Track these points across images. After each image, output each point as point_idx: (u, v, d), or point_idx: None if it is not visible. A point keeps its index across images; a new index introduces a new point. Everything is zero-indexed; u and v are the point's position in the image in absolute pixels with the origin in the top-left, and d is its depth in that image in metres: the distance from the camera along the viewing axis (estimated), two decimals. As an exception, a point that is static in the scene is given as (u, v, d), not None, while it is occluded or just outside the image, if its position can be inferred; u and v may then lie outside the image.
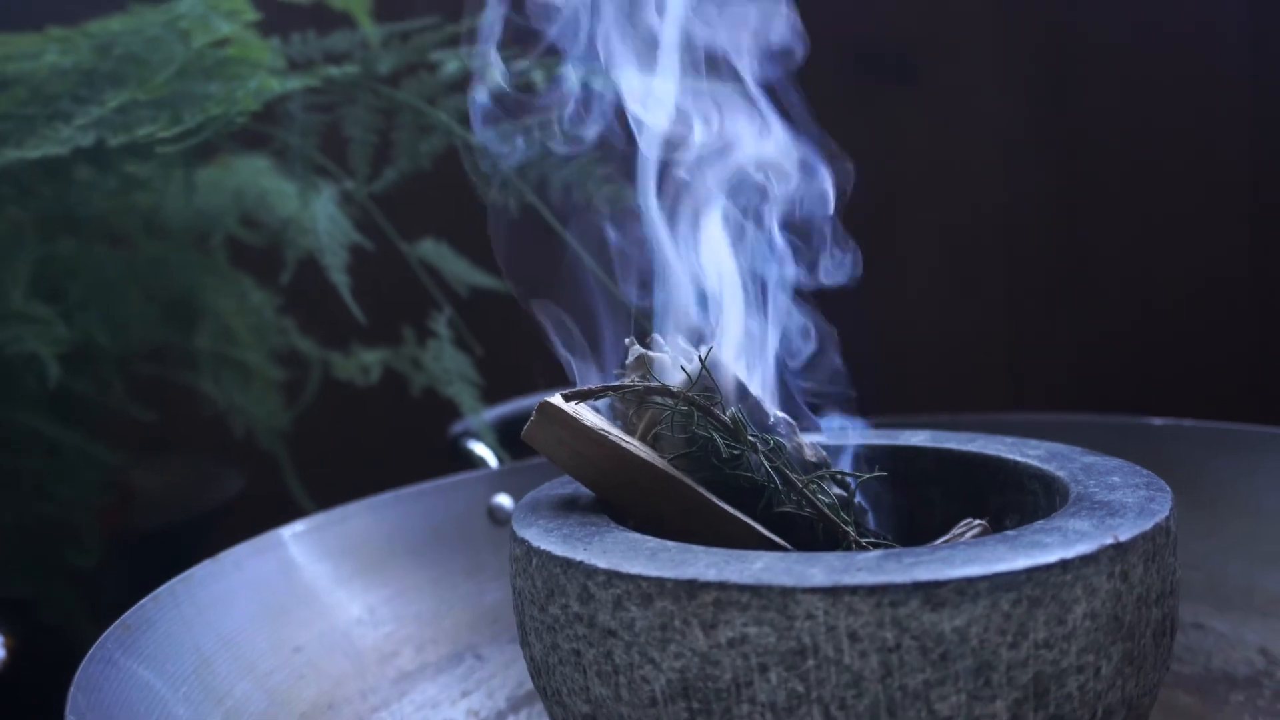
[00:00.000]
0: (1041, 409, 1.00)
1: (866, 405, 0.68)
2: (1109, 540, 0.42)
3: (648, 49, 0.58)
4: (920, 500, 0.56)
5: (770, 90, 0.58)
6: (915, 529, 0.54)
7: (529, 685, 0.62)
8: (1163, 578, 0.44)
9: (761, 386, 0.55)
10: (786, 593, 0.40)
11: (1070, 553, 0.41)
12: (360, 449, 1.15)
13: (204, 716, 0.50)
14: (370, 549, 0.64)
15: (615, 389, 0.51)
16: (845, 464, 0.55)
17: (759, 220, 0.58)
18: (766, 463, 0.50)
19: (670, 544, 0.44)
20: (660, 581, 0.41)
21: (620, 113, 0.58)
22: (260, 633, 0.56)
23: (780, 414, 0.53)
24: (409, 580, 0.64)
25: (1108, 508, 0.45)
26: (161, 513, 0.97)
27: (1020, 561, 0.40)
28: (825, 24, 0.60)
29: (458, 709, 0.61)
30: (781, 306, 0.58)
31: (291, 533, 0.62)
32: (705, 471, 0.50)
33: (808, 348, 0.58)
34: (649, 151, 0.57)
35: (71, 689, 0.44)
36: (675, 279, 0.57)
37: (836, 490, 0.53)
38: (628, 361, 0.53)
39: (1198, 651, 0.62)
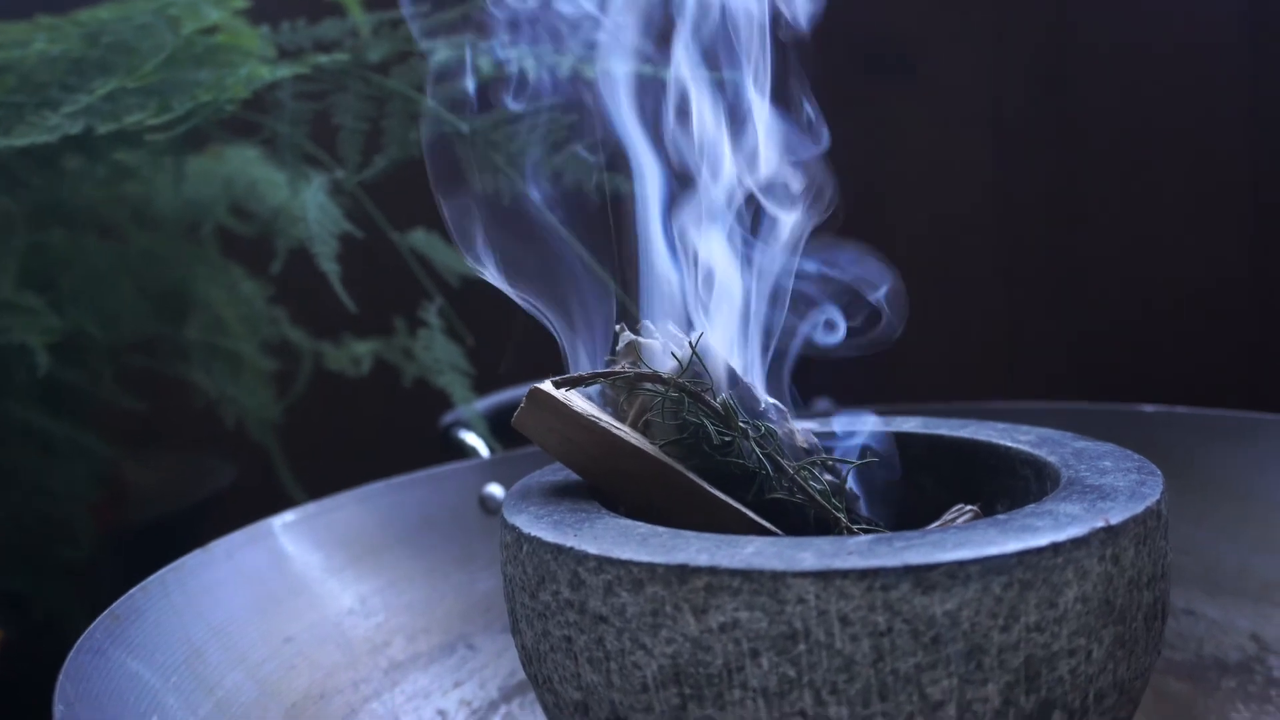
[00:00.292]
0: (1035, 399, 1.01)
1: (861, 395, 0.68)
2: (1100, 523, 0.42)
3: (645, 37, 0.58)
4: (912, 486, 0.56)
5: (767, 82, 0.58)
6: (907, 515, 0.54)
7: (521, 674, 0.62)
8: (1154, 561, 0.44)
9: (752, 373, 0.55)
10: (777, 577, 0.39)
11: (1061, 536, 0.41)
12: (351, 440, 1.14)
13: (195, 706, 0.50)
14: (362, 539, 0.64)
15: (606, 375, 0.51)
16: (838, 451, 0.55)
17: (752, 212, 0.58)
18: (758, 449, 0.50)
19: (661, 530, 0.44)
20: (651, 567, 0.41)
21: (614, 102, 0.58)
22: (251, 623, 0.56)
23: (771, 400, 0.53)
24: (400, 570, 0.64)
25: (1099, 491, 0.45)
26: (154, 506, 0.97)
27: (1011, 545, 0.40)
28: (823, 18, 0.60)
29: (450, 699, 0.61)
30: (774, 298, 0.58)
31: (282, 522, 0.62)
32: (696, 458, 0.50)
33: (802, 338, 0.58)
34: (641, 143, 0.57)
35: (60, 678, 0.44)
36: (666, 267, 0.57)
37: (828, 477, 0.53)
38: (619, 348, 0.52)
39: (1189, 637, 0.62)
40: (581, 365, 0.54)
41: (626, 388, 0.51)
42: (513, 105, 0.71)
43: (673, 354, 0.51)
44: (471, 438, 0.75)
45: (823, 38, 0.59)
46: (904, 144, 1.17)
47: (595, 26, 0.60)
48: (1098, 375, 1.16)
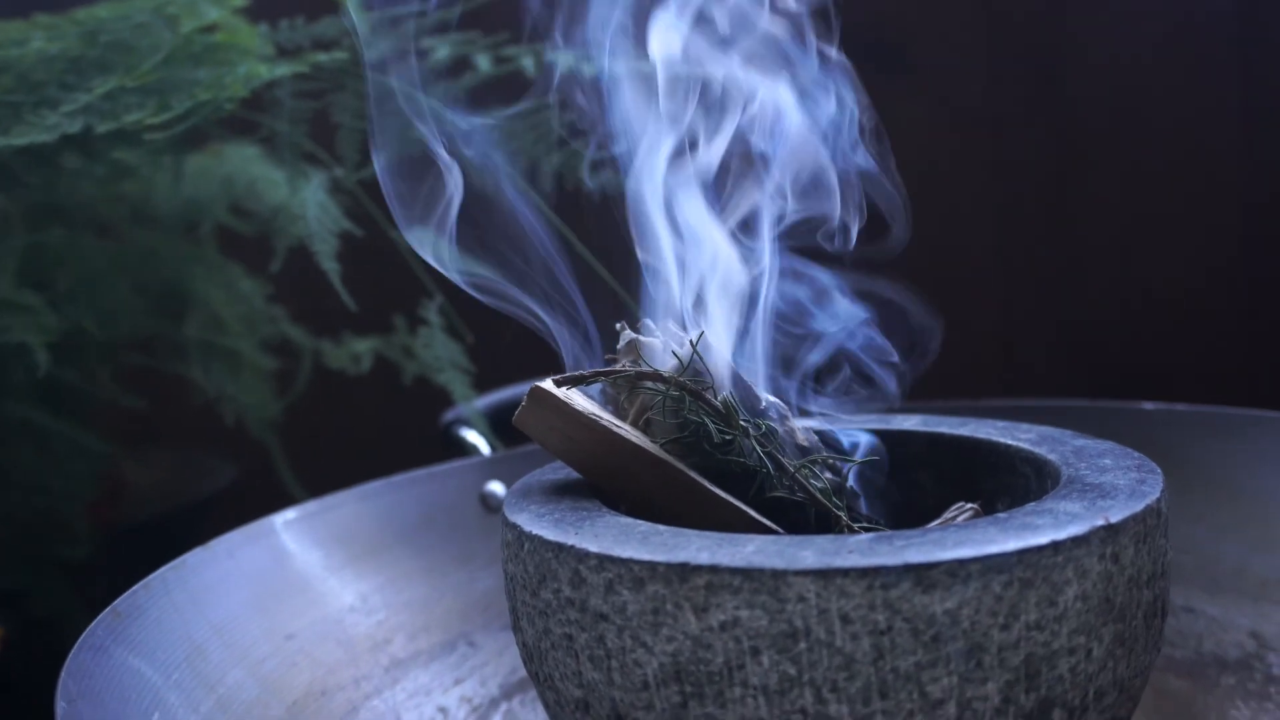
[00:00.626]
0: (1034, 396, 1.01)
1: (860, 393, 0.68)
2: (1100, 522, 0.42)
3: (647, 31, 0.58)
4: (912, 484, 0.56)
5: (768, 75, 0.58)
6: (908, 513, 0.54)
7: (522, 672, 0.62)
8: (1154, 559, 0.44)
9: (754, 372, 0.55)
10: (778, 575, 0.40)
11: (1062, 534, 0.41)
12: (352, 438, 1.14)
13: (196, 704, 0.50)
14: (362, 537, 0.64)
15: (606, 374, 0.51)
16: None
17: (756, 206, 0.58)
18: (758, 447, 0.50)
19: (662, 528, 0.44)
20: (652, 565, 0.41)
21: (616, 95, 0.58)
22: (252, 620, 0.56)
23: (772, 399, 0.53)
24: (401, 568, 0.64)
25: (1099, 490, 0.45)
26: (153, 505, 0.97)
27: (1011, 543, 0.40)
28: (819, 11, 0.60)
29: (451, 696, 0.61)
30: (777, 294, 0.58)
31: (283, 520, 0.62)
32: (697, 456, 0.50)
33: (804, 335, 0.58)
34: (646, 136, 0.57)
35: (62, 675, 0.44)
36: (668, 265, 0.57)
37: (828, 475, 0.53)
38: (619, 346, 0.52)
39: (1189, 635, 0.63)
40: (582, 364, 0.54)
41: (627, 386, 0.51)
42: (513, 103, 0.71)
43: (673, 352, 0.51)
44: (472, 435, 0.75)
45: (819, 33, 0.59)
46: (899, 140, 1.16)
47: (595, 22, 0.60)
48: (1094, 372, 1.16)
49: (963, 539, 0.41)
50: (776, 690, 0.40)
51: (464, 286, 0.56)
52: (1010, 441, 0.54)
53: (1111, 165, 1.13)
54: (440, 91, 0.77)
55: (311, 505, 0.64)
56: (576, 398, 0.49)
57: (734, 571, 0.40)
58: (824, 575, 0.39)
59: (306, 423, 0.98)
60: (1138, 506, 0.43)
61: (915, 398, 0.74)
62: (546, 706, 0.47)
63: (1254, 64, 1.09)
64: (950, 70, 1.16)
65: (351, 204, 0.82)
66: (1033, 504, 0.44)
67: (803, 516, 0.51)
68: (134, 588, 0.52)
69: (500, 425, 0.78)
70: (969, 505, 0.51)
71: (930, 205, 1.16)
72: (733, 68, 0.58)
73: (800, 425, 0.53)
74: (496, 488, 0.69)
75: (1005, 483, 0.54)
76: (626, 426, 0.50)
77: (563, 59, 0.68)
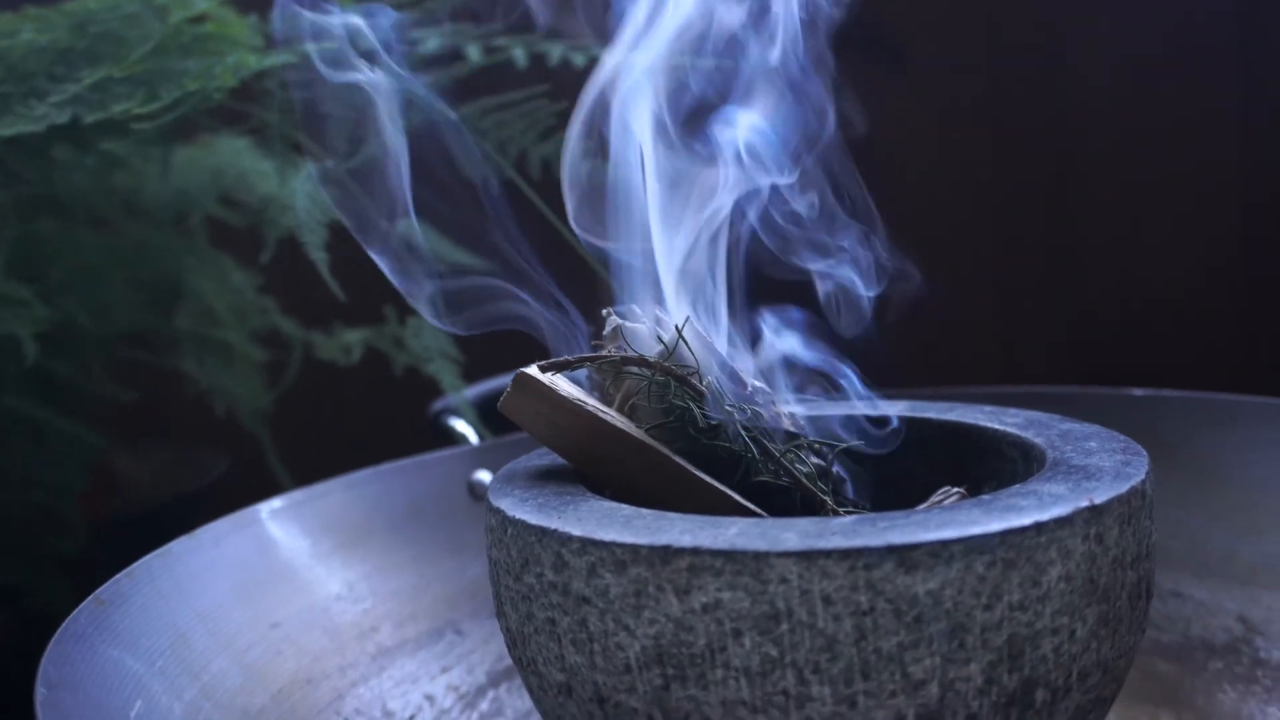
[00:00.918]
0: (1027, 379, 1.00)
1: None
2: (1084, 503, 0.42)
3: (641, 23, 0.58)
4: (899, 469, 0.56)
5: (762, 70, 0.58)
6: (894, 498, 0.54)
7: (509, 660, 0.61)
8: (1138, 540, 0.44)
9: (740, 357, 0.55)
10: (760, 557, 0.39)
11: (1045, 515, 0.41)
12: (343, 430, 1.14)
13: (180, 691, 0.50)
14: (349, 525, 0.64)
15: (592, 360, 0.51)
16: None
17: (748, 197, 0.58)
18: (744, 432, 0.50)
19: (645, 512, 0.44)
20: (634, 548, 0.41)
21: (605, 87, 0.58)
22: (237, 608, 0.56)
23: (758, 383, 0.53)
24: (388, 556, 0.64)
25: (1084, 471, 0.45)
26: (145, 497, 0.97)
27: (995, 524, 0.40)
28: (815, 8, 0.60)
29: (437, 684, 0.61)
30: (765, 283, 0.58)
31: (270, 509, 0.62)
32: (682, 442, 0.50)
33: (792, 323, 0.58)
34: (636, 129, 0.57)
35: (43, 662, 0.44)
36: (653, 251, 0.56)
37: (814, 460, 0.53)
38: (605, 332, 0.52)
39: (1177, 619, 0.63)
40: (568, 350, 0.54)
41: (613, 372, 0.51)
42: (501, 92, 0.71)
43: (659, 338, 0.51)
44: (461, 425, 0.75)
45: (814, 27, 0.59)
46: (896, 135, 1.16)
47: (588, 14, 0.60)
48: (1094, 371, 1.16)
49: (946, 520, 0.40)
50: (758, 672, 0.40)
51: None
52: (997, 426, 0.53)
53: (1111, 164, 1.13)
54: (430, 81, 0.77)
55: (298, 494, 0.64)
56: (562, 383, 0.49)
57: (716, 553, 0.40)
58: (806, 557, 0.39)
59: (297, 414, 0.98)
60: (1122, 488, 0.43)
61: (906, 386, 0.74)
62: (530, 691, 0.47)
63: (1254, 63, 1.09)
64: (950, 68, 1.16)
65: (342, 195, 0.82)
66: (1017, 486, 0.44)
67: (788, 501, 0.51)
68: (117, 576, 0.52)
69: (489, 415, 0.77)
70: (955, 490, 0.51)
71: (928, 203, 1.17)
72: (722, 59, 0.58)
73: (786, 410, 0.53)
74: (485, 476, 0.69)
75: (992, 467, 0.54)
76: (612, 412, 0.50)
77: (552, 49, 0.68)
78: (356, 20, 0.60)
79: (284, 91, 0.80)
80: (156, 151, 0.83)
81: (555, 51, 0.80)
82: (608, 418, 0.49)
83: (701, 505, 0.48)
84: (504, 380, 0.80)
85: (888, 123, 1.16)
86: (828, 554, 0.39)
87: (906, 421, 0.56)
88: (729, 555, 0.40)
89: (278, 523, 0.62)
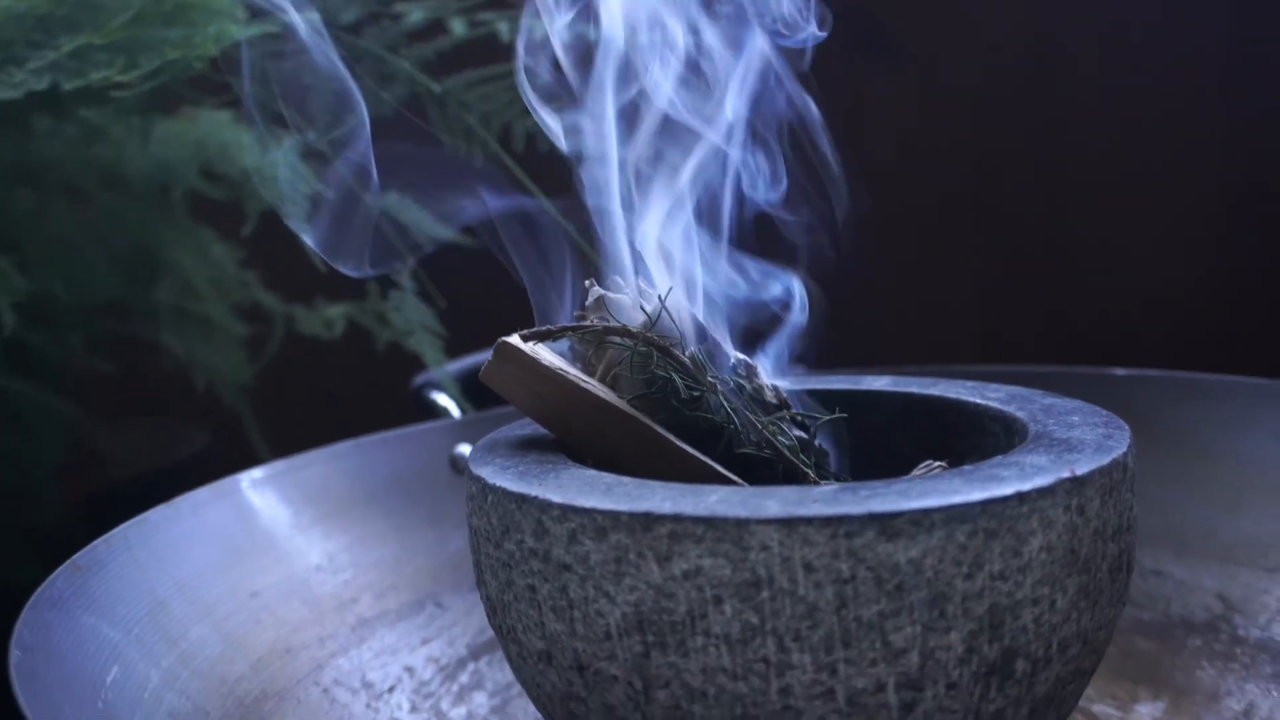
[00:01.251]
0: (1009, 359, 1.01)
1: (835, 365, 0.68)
2: (1066, 474, 0.42)
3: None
4: (881, 444, 0.56)
5: (751, 57, 0.58)
6: (876, 473, 0.54)
7: (490, 633, 0.61)
8: (1120, 513, 0.44)
9: (722, 330, 0.55)
10: (741, 524, 0.39)
11: (1027, 485, 0.41)
12: (325, 406, 1.14)
13: (158, 658, 0.49)
14: (330, 496, 0.64)
15: (574, 329, 0.50)
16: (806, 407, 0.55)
17: (733, 179, 0.58)
18: (726, 404, 0.50)
19: (627, 480, 0.44)
20: (615, 515, 0.41)
21: (589, 65, 0.58)
22: (216, 577, 0.56)
23: (740, 355, 0.53)
24: (370, 528, 0.64)
25: (1066, 444, 0.45)
26: (125, 472, 0.96)
27: (976, 494, 0.40)
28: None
29: (418, 656, 0.61)
30: (748, 259, 0.57)
31: (250, 479, 0.62)
32: (664, 413, 0.50)
33: (776, 303, 0.58)
34: (619, 104, 0.57)
35: (18, 626, 0.43)
36: (635, 226, 0.56)
37: (797, 432, 0.53)
38: (588, 302, 0.52)
39: (1156, 597, 0.63)
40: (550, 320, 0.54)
41: (595, 342, 0.51)
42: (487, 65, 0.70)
43: (641, 308, 0.51)
44: (443, 398, 0.75)
45: (807, 16, 0.58)
46: (888, 123, 1.16)
47: None
48: (1073, 356, 1.16)
49: (928, 489, 0.40)
50: (739, 639, 0.40)
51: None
52: (979, 400, 0.53)
53: (1098, 151, 1.13)
54: (414, 53, 0.77)
55: (279, 464, 0.63)
56: (543, 353, 0.49)
57: (697, 520, 0.40)
58: (788, 524, 0.39)
59: (279, 393, 0.97)
60: (1104, 460, 0.43)
61: (887, 364, 0.74)
62: (510, 660, 0.47)
63: (1238, 54, 1.09)
64: (940, 54, 1.15)
65: (324, 168, 0.81)
66: (999, 457, 0.44)
67: (771, 474, 0.51)
68: (94, 542, 0.51)
69: (472, 389, 0.77)
70: (937, 464, 0.51)
71: (915, 188, 1.17)
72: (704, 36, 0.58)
73: (768, 382, 0.53)
74: (467, 450, 0.68)
75: (975, 442, 0.53)
76: (593, 382, 0.49)
77: (535, 24, 0.67)
78: None
79: (265, 63, 0.79)
80: (136, 122, 0.82)
81: (539, 28, 0.80)
82: (590, 387, 0.49)
83: (683, 476, 0.48)
84: (487, 355, 0.80)
85: (873, 110, 1.16)
86: (809, 521, 0.39)
87: (889, 396, 0.56)
88: (710, 522, 0.40)
89: (258, 493, 0.61)
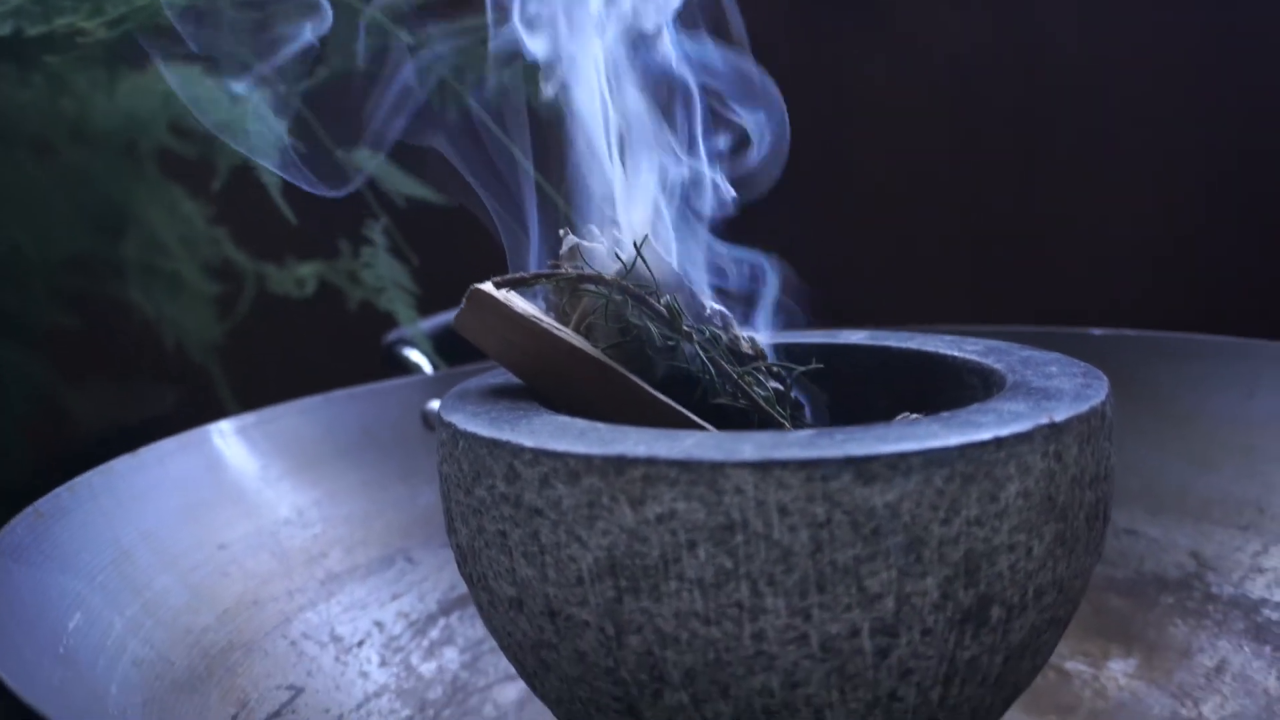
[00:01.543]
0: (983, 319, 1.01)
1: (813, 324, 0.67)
2: (1044, 420, 0.41)
3: None
4: (859, 398, 0.55)
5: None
6: (853, 425, 0.54)
7: (461, 588, 0.61)
8: (1097, 461, 0.43)
9: (698, 281, 0.54)
10: (716, 467, 0.39)
11: (1005, 431, 0.40)
12: (295, 365, 1.13)
13: (122, 607, 0.48)
14: (300, 450, 0.63)
15: (548, 276, 0.50)
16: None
17: (704, 137, 0.57)
18: (702, 353, 0.49)
19: (600, 425, 0.43)
20: (588, 458, 0.40)
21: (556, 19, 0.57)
22: (182, 528, 0.55)
23: (717, 305, 0.52)
24: (339, 482, 0.63)
25: (1044, 392, 0.44)
26: (92, 430, 0.95)
27: (954, 438, 0.40)
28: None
29: (387, 610, 0.60)
30: (720, 221, 0.57)
31: (218, 430, 0.61)
32: (639, 362, 0.49)
33: (748, 265, 0.57)
34: (587, 57, 0.56)
35: (-24, 570, 0.42)
36: (610, 175, 0.55)
37: (773, 384, 0.52)
38: (562, 251, 0.51)
39: (1130, 555, 0.63)
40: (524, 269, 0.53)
41: (569, 290, 0.50)
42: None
43: (616, 256, 0.50)
44: (415, 354, 0.74)
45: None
46: (863, 79, 1.16)
47: None
48: (1051, 317, 1.16)
49: (905, 434, 0.40)
50: (713, 583, 0.39)
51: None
52: (957, 353, 0.53)
53: (1075, 110, 1.13)
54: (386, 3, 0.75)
55: (248, 417, 0.62)
56: (516, 300, 0.48)
57: (671, 464, 0.39)
58: (763, 467, 0.39)
59: (249, 353, 0.96)
60: (1082, 407, 0.43)
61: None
62: (480, 609, 0.46)
63: (1221, 24, 1.08)
64: (915, 9, 1.15)
65: (297, 127, 0.80)
66: (977, 404, 0.44)
67: (746, 425, 0.50)
68: (57, 490, 0.50)
69: (445, 347, 0.76)
70: (915, 415, 0.50)
71: (891, 145, 1.16)
72: None
73: (744, 333, 0.52)
74: (438, 405, 0.68)
75: (953, 395, 0.53)
76: (568, 330, 0.49)
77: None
78: None
79: (237, 12, 0.77)
80: (103, 76, 0.81)
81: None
82: (563, 335, 0.48)
83: (657, 425, 0.47)
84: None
85: (854, 66, 1.16)
86: (784, 465, 0.39)
87: (867, 350, 0.56)
88: (684, 465, 0.39)
89: (226, 444, 0.60)
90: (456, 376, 0.70)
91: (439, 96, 0.73)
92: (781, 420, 0.50)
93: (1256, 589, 0.58)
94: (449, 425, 0.45)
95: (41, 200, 0.84)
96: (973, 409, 0.43)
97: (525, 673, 0.46)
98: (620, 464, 0.40)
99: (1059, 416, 0.42)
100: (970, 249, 1.18)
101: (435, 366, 0.74)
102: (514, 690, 0.58)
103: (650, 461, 0.39)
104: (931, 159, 1.17)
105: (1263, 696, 0.53)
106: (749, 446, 0.39)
